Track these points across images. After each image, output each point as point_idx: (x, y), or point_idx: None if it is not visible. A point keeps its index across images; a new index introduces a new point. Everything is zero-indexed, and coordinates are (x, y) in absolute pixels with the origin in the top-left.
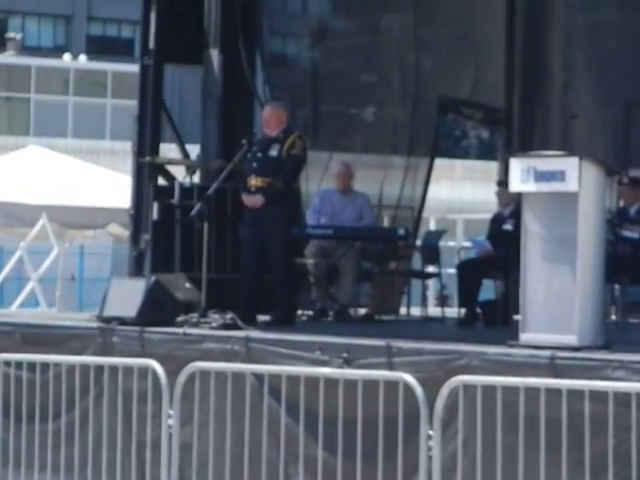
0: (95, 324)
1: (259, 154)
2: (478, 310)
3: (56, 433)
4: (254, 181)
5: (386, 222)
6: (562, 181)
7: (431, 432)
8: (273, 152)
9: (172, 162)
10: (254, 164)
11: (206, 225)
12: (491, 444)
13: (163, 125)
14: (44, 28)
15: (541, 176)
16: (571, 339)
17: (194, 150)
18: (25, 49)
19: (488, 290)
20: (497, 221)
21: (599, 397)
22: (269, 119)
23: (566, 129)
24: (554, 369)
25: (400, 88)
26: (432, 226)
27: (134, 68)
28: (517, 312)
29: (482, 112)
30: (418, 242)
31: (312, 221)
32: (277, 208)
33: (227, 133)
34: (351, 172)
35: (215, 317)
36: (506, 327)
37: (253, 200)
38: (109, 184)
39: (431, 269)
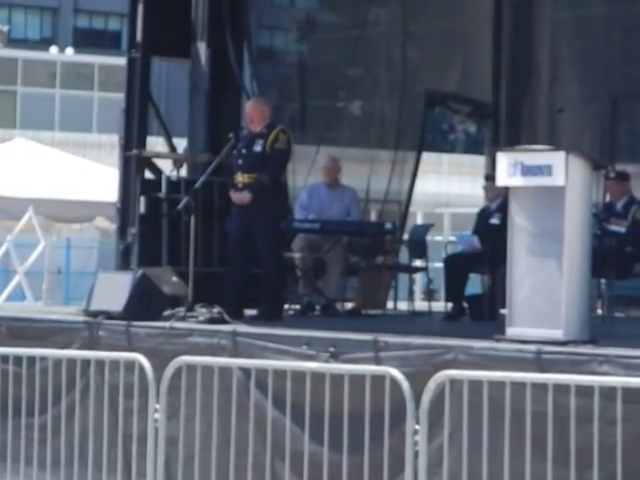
0: (82, 318)
1: (244, 150)
2: (465, 304)
3: (42, 427)
4: (240, 177)
5: (373, 216)
6: (549, 175)
7: (417, 426)
8: (257, 148)
9: (159, 155)
10: (239, 161)
11: (193, 219)
12: (477, 438)
13: (150, 118)
14: (31, 20)
15: (528, 170)
16: (557, 333)
17: (181, 143)
18: (11, 41)
19: (475, 284)
20: (484, 215)
21: (585, 391)
22: (252, 114)
23: (553, 123)
24: (540, 363)
25: (387, 82)
26: (419, 220)
27: (121, 61)
28: (504, 306)
29: (469, 106)
30: (405, 236)
31: (300, 217)
32: (264, 203)
33: (214, 127)
34: (338, 166)
35: (202, 311)
36: (493, 321)
37: (240, 197)
38: (96, 177)
39: (418, 263)
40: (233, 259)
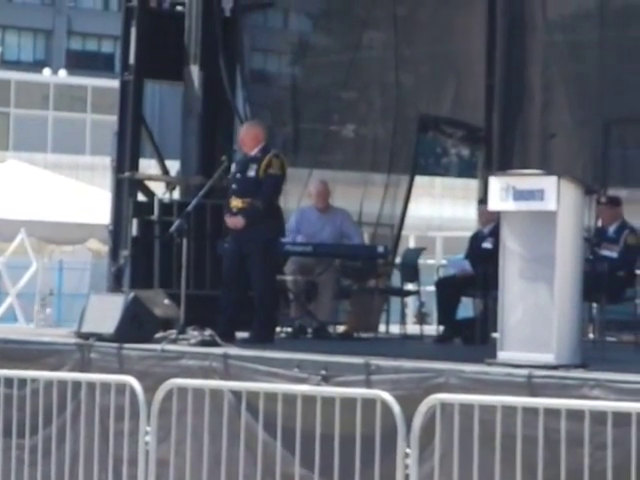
0: (73, 340)
1: (238, 175)
2: (457, 328)
3: (33, 449)
4: (235, 202)
5: (366, 239)
6: (541, 200)
7: (408, 450)
8: (251, 172)
9: (152, 178)
10: (234, 185)
11: (185, 241)
12: (468, 462)
13: (143, 141)
14: (24, 42)
15: (520, 195)
16: (548, 358)
17: (174, 166)
18: (5, 63)
19: (467, 308)
20: (477, 239)
21: (576, 416)
22: (245, 138)
23: (545, 148)
24: (531, 387)
25: (381, 105)
26: (411, 243)
27: (114, 83)
28: (495, 330)
29: (462, 130)
30: (397, 259)
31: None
32: (258, 228)
33: (207, 149)
34: (328, 189)
35: (194, 334)
36: (484, 345)
37: (234, 221)
38: (88, 199)
39: (410, 287)
40: (228, 282)
